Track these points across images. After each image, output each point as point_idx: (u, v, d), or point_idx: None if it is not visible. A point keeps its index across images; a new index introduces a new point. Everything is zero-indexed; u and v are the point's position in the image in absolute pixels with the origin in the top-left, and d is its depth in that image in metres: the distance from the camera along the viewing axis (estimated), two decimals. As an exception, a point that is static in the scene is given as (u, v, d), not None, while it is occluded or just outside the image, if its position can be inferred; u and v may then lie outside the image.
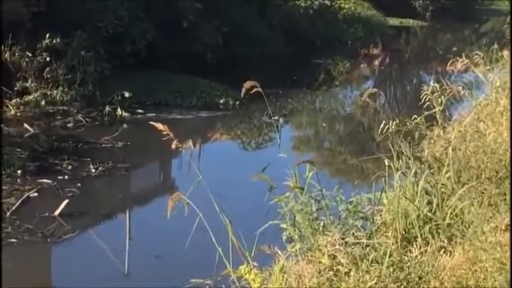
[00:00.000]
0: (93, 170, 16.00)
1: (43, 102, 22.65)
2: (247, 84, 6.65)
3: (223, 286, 6.69)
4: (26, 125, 19.76)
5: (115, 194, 15.57)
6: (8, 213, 12.69)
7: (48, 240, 11.86)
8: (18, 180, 14.83)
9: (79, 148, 17.90)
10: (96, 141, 18.57)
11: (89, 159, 16.73)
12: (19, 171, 15.19)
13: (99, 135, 19.05)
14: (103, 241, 12.13)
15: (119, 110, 22.18)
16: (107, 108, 22.27)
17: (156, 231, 12.77)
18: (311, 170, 7.12)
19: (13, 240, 11.61)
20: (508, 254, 6.25)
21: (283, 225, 6.88)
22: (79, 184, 14.85)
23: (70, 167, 16.03)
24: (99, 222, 13.62)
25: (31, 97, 22.87)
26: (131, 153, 17.89)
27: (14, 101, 22.38)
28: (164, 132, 6.38)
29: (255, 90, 6.87)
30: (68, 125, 20.60)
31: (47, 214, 12.83)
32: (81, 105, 22.76)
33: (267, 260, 6.97)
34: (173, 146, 6.41)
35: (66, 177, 15.31)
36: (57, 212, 12.84)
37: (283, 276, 6.02)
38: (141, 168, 17.48)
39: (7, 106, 21.94)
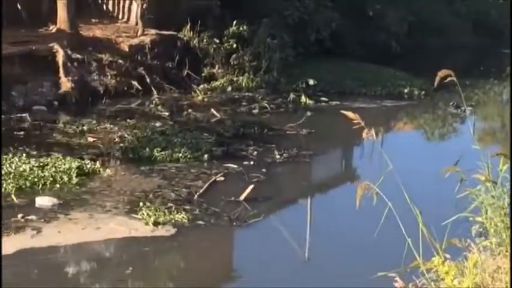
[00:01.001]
0: (278, 156, 16.18)
1: (229, 88, 23.15)
2: (442, 73, 6.47)
3: (414, 277, 6.57)
4: (212, 110, 20.24)
5: (298, 180, 15.69)
6: (196, 196, 13.03)
7: (234, 224, 12.08)
8: (205, 164, 15.20)
9: (264, 134, 18.16)
10: (280, 128, 18.79)
11: (273, 145, 16.94)
12: (206, 156, 15.57)
13: (284, 122, 19.26)
14: (285, 227, 12.23)
15: (303, 97, 22.34)
16: (291, 96, 22.48)
17: (338, 220, 12.78)
18: (505, 163, 6.87)
19: (200, 222, 11.90)
20: None
21: (478, 219, 6.68)
22: (264, 170, 15.05)
23: (255, 152, 16.29)
24: (283, 208, 13.76)
25: (218, 83, 23.43)
26: (315, 140, 17.97)
27: (201, 86, 23.01)
28: (355, 121, 6.32)
29: (440, 79, 6.68)
30: (253, 111, 20.93)
31: (232, 198, 13.07)
32: (266, 91, 23.10)
33: (455, 253, 6.81)
34: (364, 135, 6.34)
35: (252, 162, 15.56)
36: (242, 197, 13.07)
37: (476, 271, 5.87)
38: (324, 156, 17.53)
39: (195, 91, 22.56)
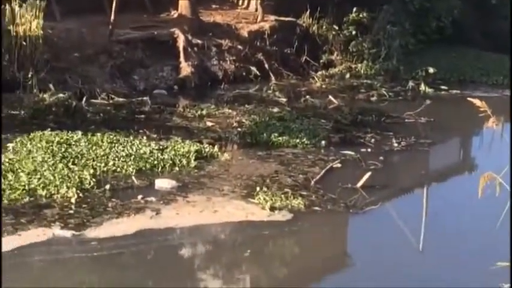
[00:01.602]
0: (395, 144, 16.03)
1: (347, 75, 23.03)
2: None
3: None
4: (330, 97, 20.19)
5: (416, 169, 15.50)
6: (312, 182, 13.03)
7: (350, 211, 12.04)
8: (322, 151, 15.18)
9: (382, 122, 18.01)
10: (398, 116, 18.59)
11: (391, 133, 16.79)
12: (323, 142, 15.55)
13: (402, 109, 19.04)
14: (401, 216, 12.11)
15: (422, 85, 22.06)
16: (410, 84, 22.24)
17: (455, 210, 12.57)
18: None
19: (317, 208, 11.90)
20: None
21: None
22: (381, 157, 14.92)
23: (373, 140, 16.18)
24: (399, 196, 13.62)
25: (336, 70, 23.35)
26: (433, 129, 17.70)
27: (319, 73, 22.99)
28: (481, 109, 6.19)
29: None
30: (371, 98, 20.80)
31: (349, 185, 13.02)
32: (385, 79, 22.90)
33: None
34: (489, 123, 6.20)
35: (369, 149, 15.46)
36: (359, 184, 13.00)
37: None
38: (442, 145, 17.25)
39: (313, 78, 22.56)
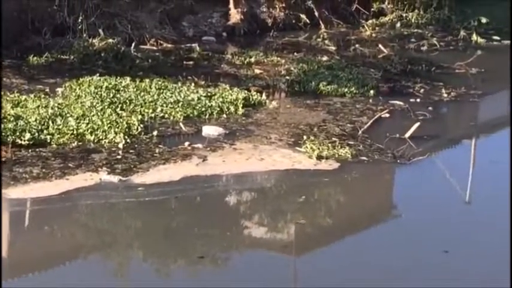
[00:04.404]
0: (445, 95, 15.85)
1: (398, 24, 22.80)
2: None
3: None
4: (380, 46, 20.01)
5: (465, 120, 15.35)
6: (360, 132, 12.96)
7: (398, 161, 11.95)
8: (371, 100, 15.08)
9: (431, 72, 17.82)
10: (449, 66, 18.37)
11: (441, 83, 16.61)
12: (372, 91, 15.43)
13: (453, 60, 18.80)
14: (448, 167, 11.99)
15: (474, 35, 21.75)
16: (462, 33, 21.93)
17: (503, 163, 12.41)
18: None
19: (364, 158, 11.84)
20: None
21: None
22: (430, 108, 14.78)
23: (422, 90, 16.02)
24: (447, 147, 13.51)
25: (386, 19, 23.13)
26: (484, 80, 17.45)
27: (369, 21, 22.78)
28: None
29: None
30: (422, 48, 20.58)
31: (397, 135, 12.92)
32: (436, 29, 22.66)
33: None
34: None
35: (418, 100, 15.32)
36: (407, 134, 12.89)
37: None
38: (492, 96, 17.02)
39: (363, 26, 22.37)
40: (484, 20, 22.64)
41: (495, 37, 22.17)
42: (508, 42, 21.54)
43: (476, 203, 10.89)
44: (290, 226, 9.99)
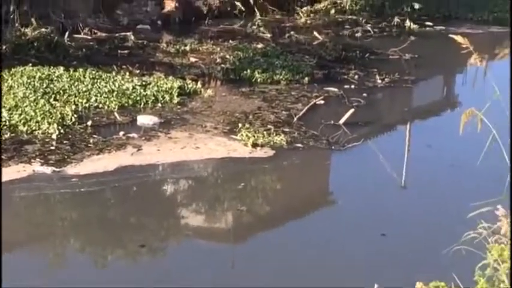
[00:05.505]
0: (379, 81, 16.00)
1: (332, 11, 22.91)
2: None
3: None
4: (315, 33, 20.09)
5: (399, 106, 15.53)
6: (295, 119, 13.01)
7: (332, 147, 12.03)
8: (306, 87, 15.15)
9: (366, 58, 17.95)
10: (383, 52, 18.54)
11: (375, 69, 16.74)
12: (307, 78, 15.50)
13: (387, 46, 18.98)
14: (383, 153, 12.09)
15: (407, 21, 21.95)
16: (396, 20, 22.11)
17: (437, 147, 12.58)
18: None
19: (299, 145, 11.90)
20: None
21: None
22: (364, 94, 14.91)
23: (356, 76, 16.14)
24: (382, 133, 13.62)
25: (321, 5, 23.20)
26: (417, 66, 17.65)
27: (304, 8, 22.83)
28: (464, 46, 6.13)
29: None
30: (356, 34, 20.72)
31: (332, 122, 13.01)
32: (370, 15, 22.82)
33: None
34: (472, 60, 6.14)
35: (352, 86, 15.43)
36: (342, 121, 12.99)
37: None
38: (425, 81, 17.22)
39: (298, 13, 22.40)
40: (416, 6, 22.88)
41: (428, 23, 22.40)
42: (441, 28, 21.83)
43: (412, 187, 11.03)
44: (228, 214, 10.02)
